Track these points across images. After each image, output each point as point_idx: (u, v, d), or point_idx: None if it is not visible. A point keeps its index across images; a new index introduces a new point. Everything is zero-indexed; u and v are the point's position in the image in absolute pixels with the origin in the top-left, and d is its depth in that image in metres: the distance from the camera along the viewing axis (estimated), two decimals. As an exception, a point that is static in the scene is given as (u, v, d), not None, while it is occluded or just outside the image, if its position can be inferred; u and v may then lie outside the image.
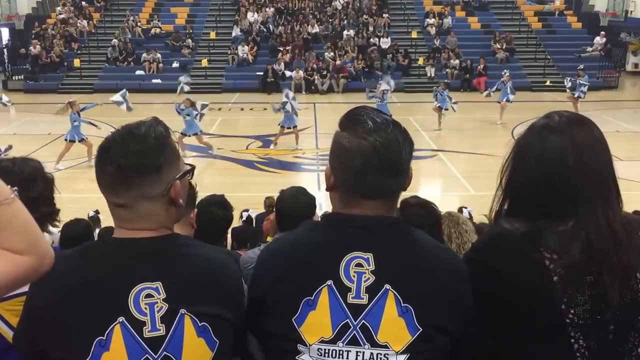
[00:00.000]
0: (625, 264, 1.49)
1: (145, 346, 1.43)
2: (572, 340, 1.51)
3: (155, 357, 1.44)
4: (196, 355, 1.48)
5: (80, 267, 1.50)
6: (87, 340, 1.42)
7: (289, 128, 15.10)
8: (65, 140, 13.44)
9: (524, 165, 1.61)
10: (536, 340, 1.54)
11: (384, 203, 1.55)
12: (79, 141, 13.35)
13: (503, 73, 18.98)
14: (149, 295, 1.45)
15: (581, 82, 18.38)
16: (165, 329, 1.45)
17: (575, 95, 18.29)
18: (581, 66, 20.31)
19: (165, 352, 1.45)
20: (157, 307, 1.45)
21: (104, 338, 1.42)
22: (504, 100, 17.91)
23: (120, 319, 1.43)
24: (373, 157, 1.49)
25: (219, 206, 3.55)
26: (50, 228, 2.19)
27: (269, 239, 4.78)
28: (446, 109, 17.15)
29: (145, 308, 1.44)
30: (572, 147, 1.56)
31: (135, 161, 1.45)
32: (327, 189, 1.60)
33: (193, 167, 1.59)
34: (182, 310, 1.46)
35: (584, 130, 1.59)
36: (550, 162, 1.57)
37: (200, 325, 1.48)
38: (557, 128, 1.60)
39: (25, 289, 1.60)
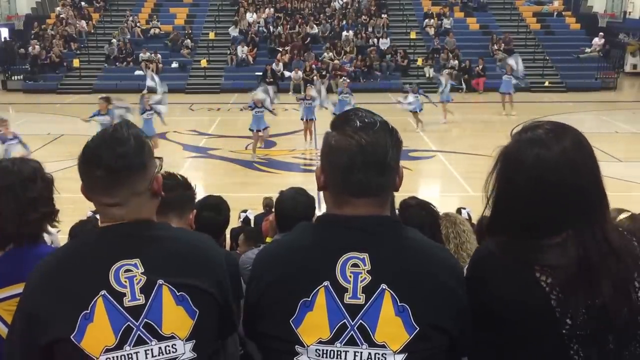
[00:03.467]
0: (622, 274, 1.48)
1: (127, 314, 1.54)
2: (572, 352, 1.50)
3: (137, 324, 1.54)
4: (176, 322, 1.57)
5: (66, 253, 1.67)
6: (74, 316, 1.52)
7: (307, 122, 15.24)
8: None
9: (515, 183, 1.56)
10: (535, 356, 1.53)
11: (374, 201, 1.56)
12: None
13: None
14: (128, 270, 1.56)
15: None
16: (144, 298, 1.55)
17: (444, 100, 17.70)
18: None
19: (145, 320, 1.55)
20: (137, 279, 1.56)
21: (88, 311, 1.53)
22: (511, 91, 18.09)
23: (102, 292, 1.54)
24: (358, 155, 1.50)
25: (209, 209, 3.47)
26: (50, 229, 2.18)
27: (268, 239, 4.78)
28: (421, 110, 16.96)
29: (125, 281, 1.55)
30: (565, 160, 1.52)
31: (125, 162, 1.58)
32: (318, 189, 1.61)
33: (161, 159, 1.73)
34: (160, 281, 1.56)
35: (571, 139, 1.55)
36: (545, 178, 1.51)
37: (178, 294, 1.57)
38: (544, 141, 1.54)
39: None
